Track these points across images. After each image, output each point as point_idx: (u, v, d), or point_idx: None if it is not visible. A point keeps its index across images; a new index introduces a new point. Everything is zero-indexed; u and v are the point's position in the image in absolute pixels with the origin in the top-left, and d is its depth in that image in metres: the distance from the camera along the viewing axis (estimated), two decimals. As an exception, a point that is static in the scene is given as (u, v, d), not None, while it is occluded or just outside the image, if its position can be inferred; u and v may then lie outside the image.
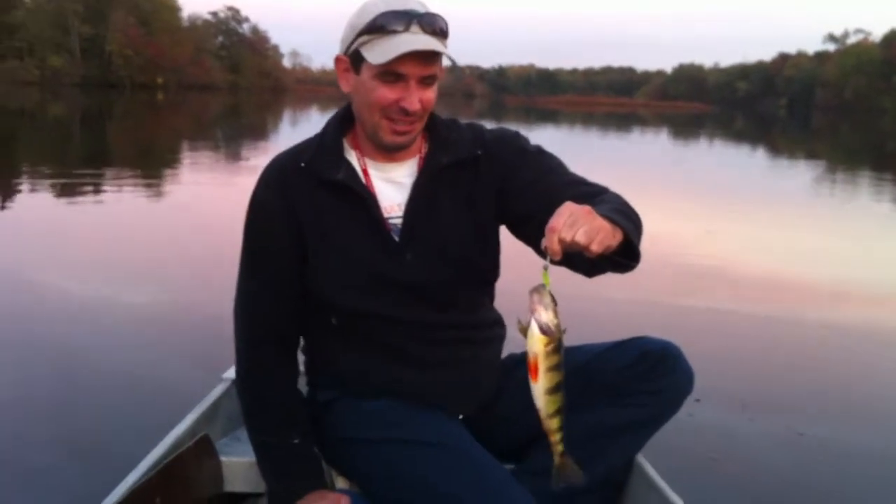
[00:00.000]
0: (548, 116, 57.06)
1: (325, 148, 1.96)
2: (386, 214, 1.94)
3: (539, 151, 2.04)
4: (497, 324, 2.16)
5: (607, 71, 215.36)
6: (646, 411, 2.01)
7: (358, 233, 1.93)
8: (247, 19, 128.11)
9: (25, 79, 70.71)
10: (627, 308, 5.59)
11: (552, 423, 1.63)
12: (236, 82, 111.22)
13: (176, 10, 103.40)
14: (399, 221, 1.95)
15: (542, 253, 1.55)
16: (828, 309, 6.05)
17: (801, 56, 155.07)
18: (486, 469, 1.84)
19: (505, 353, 2.18)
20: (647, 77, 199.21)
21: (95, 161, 15.48)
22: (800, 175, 18.60)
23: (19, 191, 10.69)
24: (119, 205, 9.54)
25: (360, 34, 1.82)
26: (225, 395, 2.39)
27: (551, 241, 1.52)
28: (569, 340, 1.80)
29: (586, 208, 1.58)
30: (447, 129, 2.00)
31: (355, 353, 2.01)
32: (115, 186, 11.14)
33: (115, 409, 3.41)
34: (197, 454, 2.07)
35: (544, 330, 1.53)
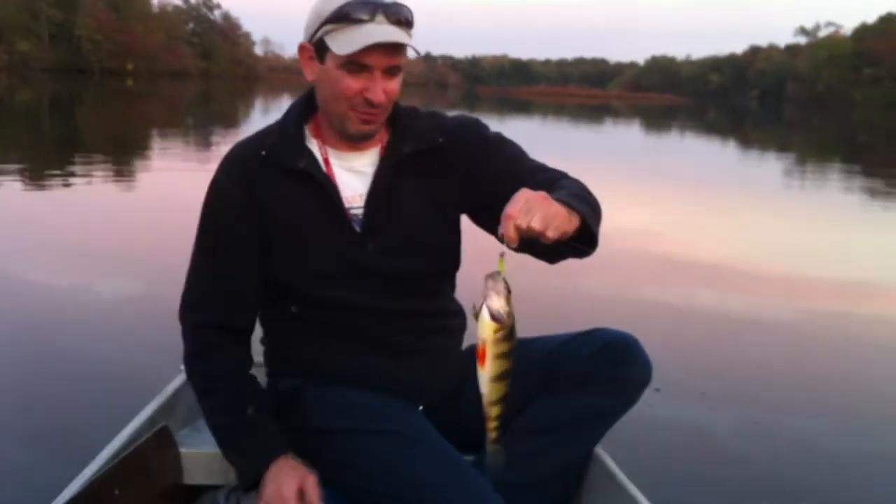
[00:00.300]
0: (521, 107, 57.05)
1: (286, 136, 1.95)
2: (347, 204, 1.94)
3: (500, 139, 2.06)
4: (458, 314, 2.16)
5: (580, 62, 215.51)
6: (605, 402, 2.02)
7: (319, 222, 1.93)
8: (218, 6, 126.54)
9: (-7, 64, 69.73)
10: (588, 299, 5.64)
11: (493, 411, 1.64)
12: (208, 69, 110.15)
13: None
14: (360, 211, 1.95)
15: (501, 240, 1.54)
16: (785, 298, 6.13)
17: (772, 49, 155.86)
18: (446, 459, 1.86)
19: (466, 345, 2.18)
20: (619, 69, 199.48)
21: (64, 148, 15.31)
22: (769, 166, 18.73)
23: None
24: (88, 193, 9.48)
25: (324, 22, 1.81)
26: (184, 385, 2.36)
27: (507, 228, 1.53)
28: (528, 331, 1.82)
29: (542, 194, 1.59)
30: (408, 118, 2.00)
31: (315, 341, 2.01)
32: (84, 174, 11.05)
33: (75, 398, 3.40)
34: (156, 445, 2.04)
35: (495, 316, 1.52)
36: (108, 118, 25.27)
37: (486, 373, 1.58)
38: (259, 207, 1.92)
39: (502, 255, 1.54)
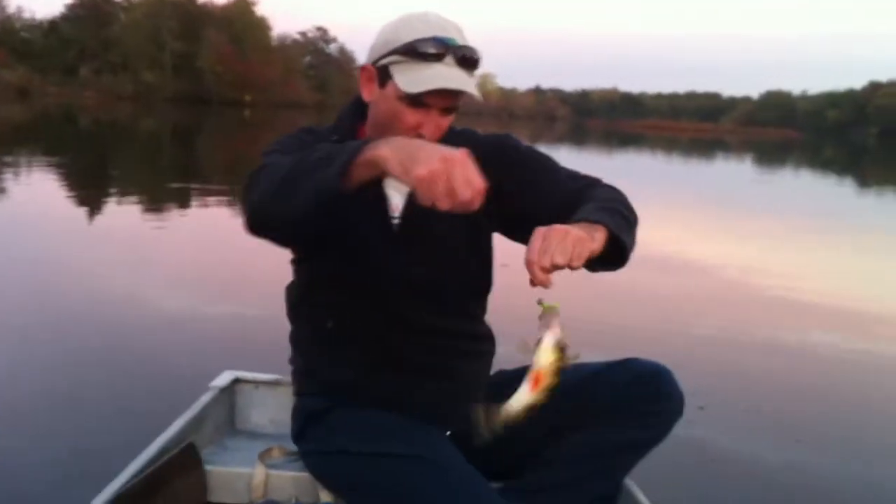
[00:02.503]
0: (630, 140, 56.55)
1: (343, 137, 1.95)
2: (392, 213, 1.96)
3: (531, 151, 2.06)
4: (488, 338, 2.15)
5: (693, 96, 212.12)
6: (636, 434, 1.97)
7: (367, 225, 1.94)
8: (334, 40, 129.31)
9: (121, 93, 72.81)
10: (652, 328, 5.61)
11: (506, 421, 1.58)
12: (323, 101, 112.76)
13: (267, 29, 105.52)
14: (398, 222, 1.96)
15: (532, 285, 1.53)
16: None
17: (893, 85, 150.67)
18: (472, 486, 1.84)
19: (493, 370, 2.17)
20: (733, 103, 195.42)
21: (183, 174, 15.90)
22: (886, 204, 18.10)
23: (108, 201, 11.01)
24: (202, 216, 9.80)
25: (393, 52, 1.83)
26: (212, 403, 2.40)
27: (533, 274, 1.51)
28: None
29: (556, 228, 1.55)
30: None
31: (346, 360, 2.01)
32: (200, 198, 11.45)
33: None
34: (182, 462, 2.07)
35: (560, 347, 1.52)
36: (225, 146, 26.06)
37: (531, 398, 1.55)
38: None
39: (540, 301, 1.55)
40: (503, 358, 2.11)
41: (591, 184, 1.95)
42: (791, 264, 9.02)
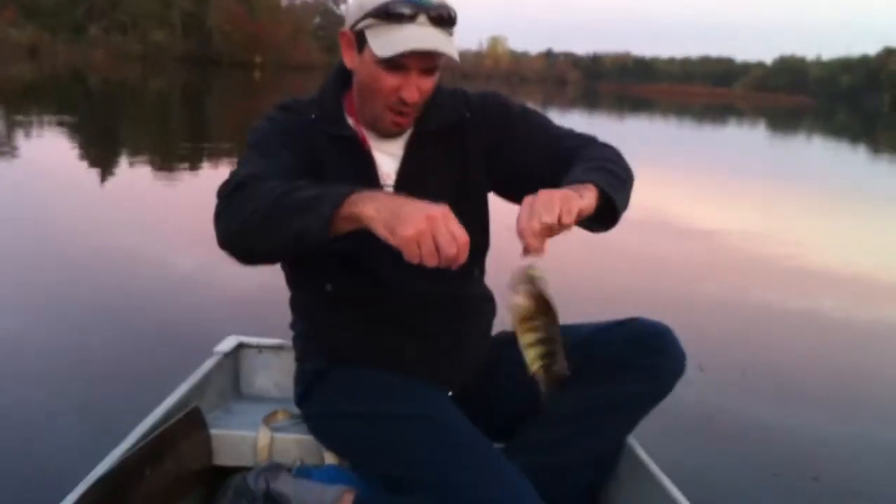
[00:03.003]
0: (641, 105, 56.19)
1: (325, 109, 1.96)
2: (383, 181, 1.95)
3: (524, 110, 2.05)
4: (488, 299, 2.15)
5: (705, 61, 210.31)
6: (637, 391, 1.98)
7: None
8: (344, 0, 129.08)
9: (129, 52, 72.43)
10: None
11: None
12: (332, 63, 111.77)
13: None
14: (391, 189, 1.95)
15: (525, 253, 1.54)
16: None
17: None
18: (476, 445, 1.84)
19: (496, 331, 2.17)
20: (746, 68, 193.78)
21: (193, 134, 15.89)
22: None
23: (118, 161, 11.03)
24: (211, 177, 9.76)
25: (366, 15, 1.80)
26: (216, 368, 2.40)
27: (526, 241, 1.52)
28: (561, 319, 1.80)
29: (541, 192, 1.56)
30: (434, 96, 1.96)
31: (346, 322, 2.01)
32: (210, 159, 11.46)
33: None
34: (187, 427, 2.07)
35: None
36: (236, 107, 25.96)
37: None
38: (312, 156, 1.91)
39: (531, 267, 1.54)
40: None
41: (586, 143, 1.95)
42: (797, 230, 9.03)
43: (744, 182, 13.12)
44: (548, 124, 2.02)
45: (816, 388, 4.06)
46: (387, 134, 1.95)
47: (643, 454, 2.09)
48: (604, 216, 1.70)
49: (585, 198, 1.61)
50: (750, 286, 6.16)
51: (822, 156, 22.34)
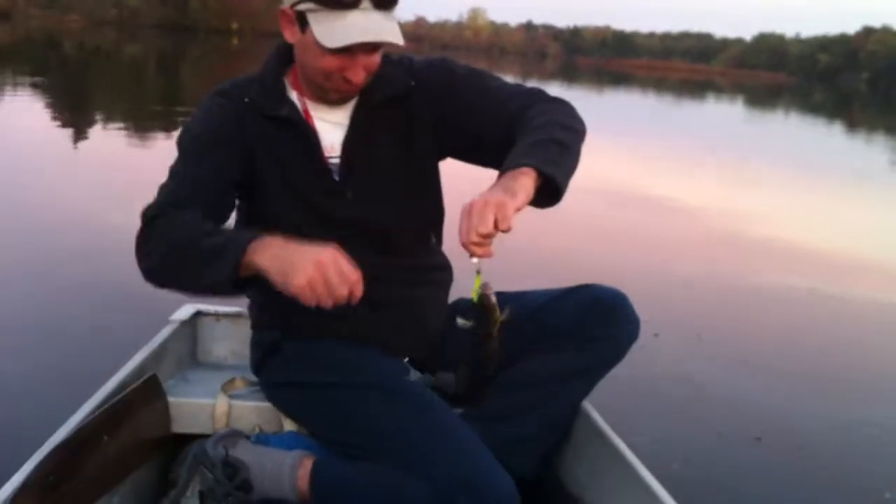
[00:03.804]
0: (621, 79, 56.21)
1: (266, 86, 1.91)
2: (326, 154, 1.91)
3: (470, 72, 2.01)
4: (444, 268, 2.13)
5: (685, 36, 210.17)
6: (592, 358, 1.98)
7: (301, 171, 1.90)
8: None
9: (103, 17, 71.42)
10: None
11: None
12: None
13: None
14: (338, 161, 1.92)
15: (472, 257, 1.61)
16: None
17: (886, 31, 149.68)
18: (433, 412, 1.82)
19: (453, 298, 2.16)
20: (725, 44, 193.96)
21: (167, 101, 15.69)
22: (873, 151, 18.11)
23: (89, 124, 10.88)
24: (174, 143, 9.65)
25: None
26: (173, 336, 2.36)
27: (470, 252, 1.57)
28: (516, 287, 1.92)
29: (475, 204, 1.57)
30: (380, 66, 1.92)
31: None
32: (183, 124, 11.27)
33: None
34: (144, 395, 2.03)
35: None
36: (211, 74, 25.69)
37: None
38: (245, 146, 1.88)
39: (478, 272, 1.64)
40: (463, 286, 2.05)
41: (532, 100, 1.90)
42: (765, 205, 9.08)
43: (715, 157, 13.18)
44: (495, 85, 1.98)
45: (768, 356, 4.16)
46: (332, 102, 1.92)
47: (599, 419, 2.08)
48: (547, 193, 1.69)
49: (520, 193, 1.61)
50: (714, 258, 6.24)
51: (796, 133, 22.45)
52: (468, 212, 1.56)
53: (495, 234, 1.56)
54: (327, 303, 1.55)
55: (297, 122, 1.89)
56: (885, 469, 3.05)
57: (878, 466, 3.06)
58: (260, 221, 1.90)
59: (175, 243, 1.68)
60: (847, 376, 4.00)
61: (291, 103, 1.91)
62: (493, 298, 1.67)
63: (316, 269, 1.53)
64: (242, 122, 1.88)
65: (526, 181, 1.63)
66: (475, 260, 1.59)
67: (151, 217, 1.74)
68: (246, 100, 1.89)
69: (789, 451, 3.06)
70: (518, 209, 1.59)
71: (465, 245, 1.56)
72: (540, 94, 1.94)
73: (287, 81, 1.95)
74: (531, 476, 2.02)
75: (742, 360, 4.01)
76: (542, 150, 1.70)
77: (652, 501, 1.77)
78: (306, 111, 1.92)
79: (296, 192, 1.90)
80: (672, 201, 8.31)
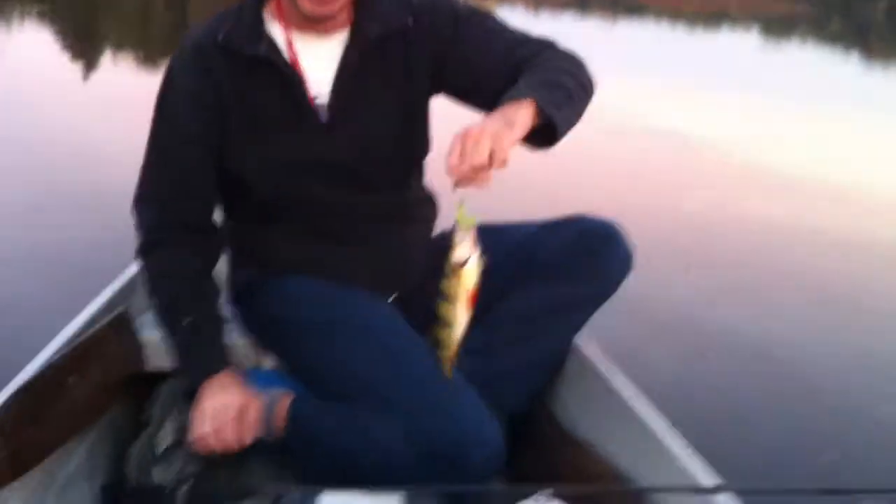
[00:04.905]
0: (634, 10, 55.28)
1: (243, 20, 1.78)
2: (313, 93, 1.80)
3: (471, 12, 1.88)
4: (428, 202, 2.05)
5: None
6: (583, 292, 1.90)
7: (281, 112, 1.80)
8: None
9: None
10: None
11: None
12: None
13: None
14: (326, 100, 1.81)
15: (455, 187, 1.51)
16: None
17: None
18: (417, 353, 1.76)
19: (436, 232, 2.09)
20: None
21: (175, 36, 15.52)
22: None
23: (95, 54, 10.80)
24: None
25: None
26: None
27: (456, 180, 1.49)
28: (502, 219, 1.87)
29: (470, 132, 1.49)
30: (377, 2, 1.82)
31: (276, 233, 1.91)
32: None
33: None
34: (114, 331, 1.95)
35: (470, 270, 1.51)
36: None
37: (455, 324, 1.56)
38: (217, 98, 1.78)
39: (461, 202, 1.50)
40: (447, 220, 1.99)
41: (541, 49, 1.80)
42: (775, 136, 8.98)
43: (727, 89, 12.99)
44: (500, 29, 1.87)
45: (757, 285, 4.28)
46: (319, 32, 1.80)
47: (592, 354, 2.02)
48: (543, 135, 1.62)
49: (518, 126, 1.54)
50: (720, 190, 6.27)
51: (812, 63, 22.05)
52: (462, 140, 1.47)
53: (489, 168, 1.47)
54: (229, 448, 1.75)
55: (275, 60, 1.77)
56: (878, 390, 3.20)
57: (870, 387, 3.21)
58: (242, 168, 1.83)
59: (161, 311, 1.87)
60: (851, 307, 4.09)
61: (270, 40, 1.78)
62: (470, 243, 1.52)
63: (211, 431, 1.73)
64: (214, 78, 1.78)
65: (525, 116, 1.55)
66: (462, 197, 1.50)
67: (146, 244, 1.87)
68: (219, 38, 1.76)
69: (783, 376, 3.20)
70: (514, 143, 1.52)
71: (451, 172, 1.49)
72: (552, 45, 1.83)
73: (269, 13, 1.81)
74: (520, 412, 1.97)
75: (735, 288, 4.11)
76: (548, 91, 1.62)
77: (650, 436, 1.71)
78: (290, 44, 1.80)
79: (274, 137, 1.81)
80: (677, 132, 8.20)
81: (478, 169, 1.47)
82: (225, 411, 1.73)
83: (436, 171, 2.01)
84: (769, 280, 4.34)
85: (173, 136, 1.83)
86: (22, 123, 6.22)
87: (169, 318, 1.85)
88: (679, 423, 1.79)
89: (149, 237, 1.87)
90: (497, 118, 1.54)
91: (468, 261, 1.49)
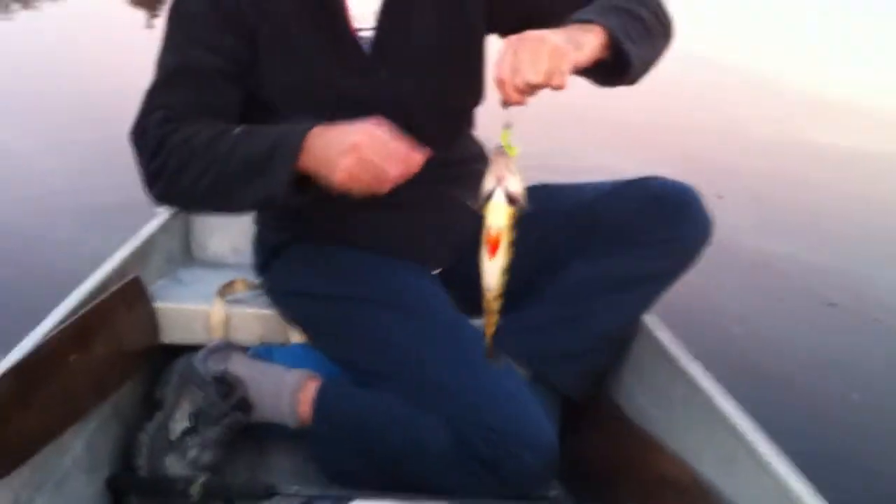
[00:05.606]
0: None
1: None
2: (356, 24, 1.55)
3: None
4: (478, 158, 1.77)
5: None
6: (654, 264, 1.65)
7: (320, 45, 1.55)
8: None
9: None
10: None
11: (496, 305, 1.32)
12: None
13: None
14: (371, 33, 1.57)
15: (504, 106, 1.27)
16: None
17: None
18: (458, 338, 1.55)
19: None
20: None
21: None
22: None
23: None
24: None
25: None
26: (162, 229, 2.05)
27: (505, 95, 1.24)
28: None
29: (529, 37, 1.24)
30: None
31: (309, 191, 1.65)
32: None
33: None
34: (126, 298, 1.73)
35: (512, 199, 1.26)
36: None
37: (498, 264, 1.29)
38: (248, 21, 1.52)
39: (507, 126, 1.26)
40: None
41: None
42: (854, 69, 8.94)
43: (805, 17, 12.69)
44: None
45: (831, 221, 4.20)
46: None
47: (663, 335, 1.75)
48: (614, 69, 1.38)
49: (585, 47, 1.30)
50: (790, 122, 6.28)
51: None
52: (518, 47, 1.23)
53: (543, 87, 1.23)
54: (382, 189, 1.33)
55: None
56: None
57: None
58: (275, 105, 1.57)
59: (202, 156, 1.41)
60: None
61: None
62: (501, 173, 1.27)
63: (353, 156, 1.29)
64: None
65: (595, 41, 1.32)
66: (507, 110, 1.26)
67: (155, 141, 1.45)
68: None
69: (863, 317, 3.09)
70: (577, 67, 1.29)
71: (500, 83, 1.24)
72: None
73: None
74: (580, 398, 1.73)
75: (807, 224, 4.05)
76: (624, 21, 1.38)
77: (730, 433, 1.46)
78: None
79: (312, 73, 1.56)
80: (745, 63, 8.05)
81: (532, 87, 1.23)
82: (344, 137, 1.33)
83: (484, 125, 1.77)
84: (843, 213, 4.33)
85: (190, 42, 1.52)
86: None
87: (213, 148, 1.42)
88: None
89: (150, 133, 1.48)
90: (561, 34, 1.29)
91: (492, 194, 1.26)
